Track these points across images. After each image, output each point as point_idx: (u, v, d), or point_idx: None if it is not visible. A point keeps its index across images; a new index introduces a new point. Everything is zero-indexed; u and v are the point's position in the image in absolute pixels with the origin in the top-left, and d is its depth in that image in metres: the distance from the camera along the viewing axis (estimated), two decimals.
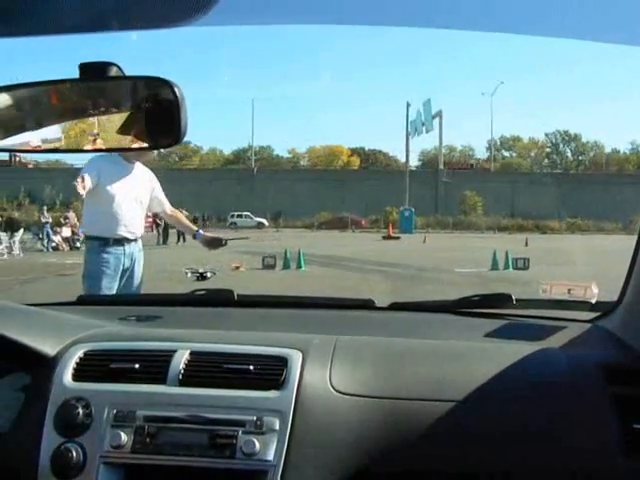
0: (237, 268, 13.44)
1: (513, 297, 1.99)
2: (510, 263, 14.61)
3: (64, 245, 22.32)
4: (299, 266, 14.55)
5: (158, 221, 24.71)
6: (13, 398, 1.57)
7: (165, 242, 24.73)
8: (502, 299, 2.01)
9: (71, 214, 24.90)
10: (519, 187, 48.21)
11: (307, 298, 2.40)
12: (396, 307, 2.14)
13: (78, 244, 21.97)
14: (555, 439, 1.39)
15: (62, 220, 23.98)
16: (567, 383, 1.46)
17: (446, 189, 49.48)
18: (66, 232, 23.18)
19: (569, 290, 2.05)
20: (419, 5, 1.26)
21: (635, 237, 1.67)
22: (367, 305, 2.14)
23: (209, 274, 12.09)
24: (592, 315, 1.95)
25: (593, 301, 1.98)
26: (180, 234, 24.51)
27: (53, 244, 22.01)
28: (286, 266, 14.55)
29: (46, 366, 1.54)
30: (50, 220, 23.55)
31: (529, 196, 44.94)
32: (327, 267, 15.23)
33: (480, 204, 45.17)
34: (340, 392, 1.46)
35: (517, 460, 1.40)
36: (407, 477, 1.42)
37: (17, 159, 54.20)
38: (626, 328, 1.69)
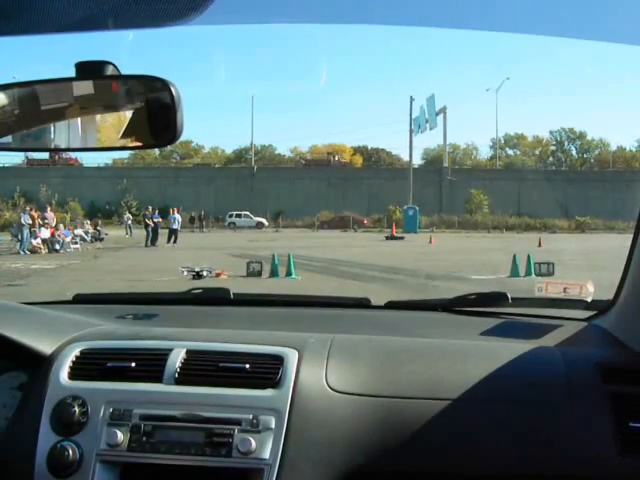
0: (218, 275, 12.35)
1: (509, 296, 1.99)
2: (532, 269, 12.82)
3: (41, 247, 20.78)
4: (289, 273, 12.77)
5: (147, 221, 24.02)
6: (9, 397, 1.59)
7: (154, 243, 23.79)
8: (498, 298, 2.01)
9: (49, 214, 23.78)
10: (525, 185, 47.54)
11: (303, 297, 2.42)
12: (392, 306, 2.15)
13: (57, 246, 21.01)
14: (551, 438, 1.39)
15: (40, 221, 22.61)
16: (563, 382, 1.47)
17: (450, 187, 48.98)
18: (44, 234, 21.59)
19: (565, 289, 2.09)
20: (421, 4, 1.29)
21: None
22: (363, 304, 2.16)
23: (205, 273, 11.97)
24: (588, 314, 1.94)
25: (589, 300, 1.99)
26: (171, 235, 23.81)
27: (29, 246, 20.32)
28: (274, 273, 12.78)
29: (42, 365, 1.56)
30: (30, 221, 22.10)
31: (535, 194, 44.27)
32: (323, 274, 13.80)
33: (486, 202, 44.36)
34: (336, 391, 1.46)
35: (513, 460, 1.40)
36: (402, 475, 1.42)
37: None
38: (622, 327, 1.70)
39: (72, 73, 1.16)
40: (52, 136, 1.27)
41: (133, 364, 1.52)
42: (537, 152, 68.89)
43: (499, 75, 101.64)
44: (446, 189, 49.68)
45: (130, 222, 30.69)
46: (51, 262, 16.60)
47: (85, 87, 1.20)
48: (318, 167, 53.52)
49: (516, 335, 1.79)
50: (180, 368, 1.50)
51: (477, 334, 1.83)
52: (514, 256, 13.18)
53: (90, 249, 22.31)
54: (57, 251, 20.82)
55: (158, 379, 1.49)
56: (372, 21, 1.44)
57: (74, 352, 1.58)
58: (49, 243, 21.22)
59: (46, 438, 1.43)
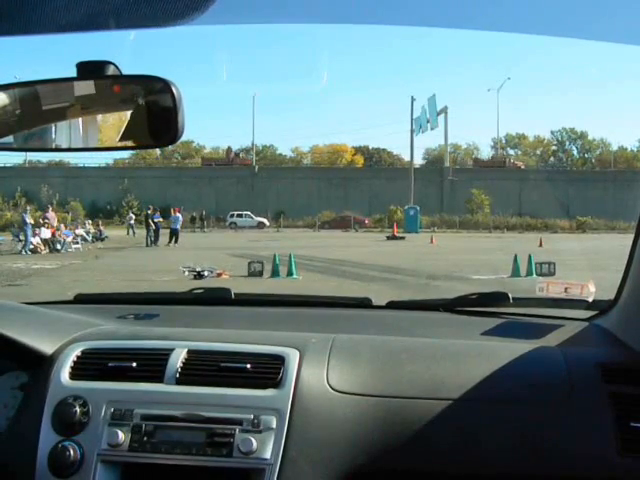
0: (219, 275, 12.38)
1: (510, 295, 1.98)
2: (533, 269, 12.83)
3: (42, 247, 20.76)
4: (290, 273, 12.73)
5: (150, 222, 24.02)
6: (11, 397, 1.59)
7: (155, 243, 24.02)
8: (499, 297, 2.01)
9: (51, 214, 23.77)
10: (526, 185, 47.49)
11: (304, 297, 2.41)
12: (393, 306, 2.14)
13: (59, 246, 21.05)
14: (552, 437, 1.39)
15: (41, 221, 22.59)
16: (564, 381, 1.46)
17: (452, 187, 48.94)
18: (45, 233, 21.53)
19: (566, 289, 2.08)
20: (421, 4, 1.28)
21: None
22: (364, 304, 2.16)
23: (206, 273, 11.99)
24: (589, 314, 1.94)
25: (590, 300, 1.98)
26: (172, 235, 23.86)
27: (31, 246, 20.31)
28: (275, 273, 12.73)
29: (44, 365, 1.56)
30: (32, 221, 22.03)
31: (537, 194, 44.20)
32: (324, 274, 13.70)
33: (487, 202, 44.30)
34: (337, 390, 1.46)
35: (513, 459, 1.39)
36: (402, 475, 1.42)
37: None
38: (623, 327, 1.70)
39: (73, 73, 1.16)
40: (53, 136, 1.26)
41: (134, 364, 1.52)
42: (538, 152, 68.90)
43: (500, 75, 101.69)
44: (447, 189, 49.66)
45: (133, 222, 30.66)
46: (52, 262, 16.60)
47: (86, 87, 1.20)
48: (492, 169, 53.19)
49: (517, 335, 1.79)
50: (181, 368, 1.50)
51: (478, 334, 1.82)
52: (515, 256, 13.17)
53: (91, 249, 22.31)
54: (58, 251, 20.84)
55: (159, 379, 1.49)
56: (373, 21, 1.44)
57: (75, 352, 1.58)
58: (50, 243, 21.22)
59: (47, 438, 1.43)
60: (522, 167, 57.12)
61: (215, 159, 56.71)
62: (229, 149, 59.10)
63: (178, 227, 25.06)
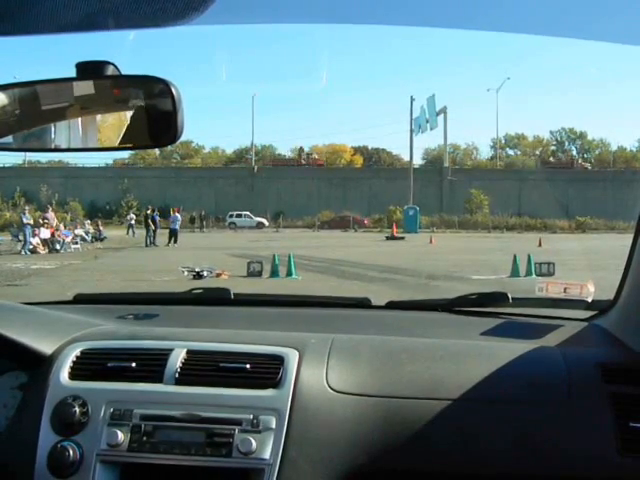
0: (219, 275, 12.38)
1: (509, 296, 1.99)
2: (533, 269, 12.84)
3: (42, 247, 20.82)
4: (289, 273, 12.75)
5: (149, 222, 24.03)
6: (10, 397, 1.59)
7: (154, 243, 23.93)
8: (498, 298, 2.01)
9: (50, 214, 23.79)
10: (526, 185, 47.49)
11: (303, 297, 2.40)
12: (392, 306, 2.14)
13: (58, 246, 21.07)
14: (551, 438, 1.38)
15: (40, 221, 22.62)
16: (563, 382, 1.46)
17: (451, 187, 48.94)
18: (44, 234, 21.60)
19: (565, 289, 2.07)
20: (421, 4, 1.28)
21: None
22: (363, 304, 2.15)
23: (205, 273, 12.01)
24: (588, 314, 1.94)
25: (589, 300, 1.98)
26: (172, 235, 23.88)
27: (30, 246, 20.37)
28: (274, 273, 12.75)
29: (43, 365, 1.56)
30: (31, 221, 22.02)
31: (536, 194, 44.18)
32: (323, 274, 13.72)
33: (486, 202, 44.29)
34: (336, 391, 1.46)
35: (513, 459, 1.39)
36: (402, 475, 1.41)
37: None
38: (622, 327, 1.70)
39: (73, 73, 1.16)
40: (53, 136, 1.26)
41: (134, 364, 1.52)
42: (538, 152, 68.89)
43: (499, 75, 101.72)
44: (446, 189, 49.67)
45: (133, 222, 30.56)
46: (51, 262, 16.60)
47: (86, 87, 1.20)
48: (559, 170, 53.71)
49: (517, 335, 1.79)
50: (180, 368, 1.50)
51: (478, 334, 1.82)
52: (514, 256, 13.17)
53: (90, 249, 22.31)
54: (57, 251, 20.84)
55: (159, 379, 1.49)
56: (373, 21, 1.44)
57: (75, 352, 1.58)
58: (49, 243, 21.23)
59: (46, 438, 1.42)
60: (588, 168, 57.36)
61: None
62: (301, 149, 59.28)
63: (177, 227, 25.07)
